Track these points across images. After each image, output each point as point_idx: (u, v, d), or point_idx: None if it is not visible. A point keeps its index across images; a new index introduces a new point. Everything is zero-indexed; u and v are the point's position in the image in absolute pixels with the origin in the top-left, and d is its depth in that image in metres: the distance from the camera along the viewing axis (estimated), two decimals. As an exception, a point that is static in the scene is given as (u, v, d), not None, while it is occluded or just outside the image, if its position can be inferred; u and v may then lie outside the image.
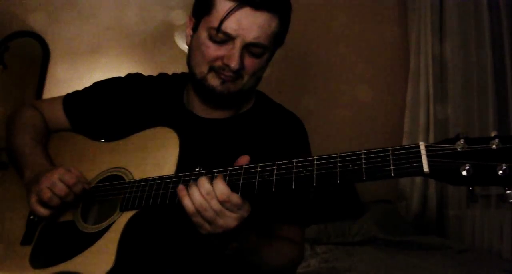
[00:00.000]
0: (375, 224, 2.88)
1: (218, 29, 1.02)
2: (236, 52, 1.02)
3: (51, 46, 3.17)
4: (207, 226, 0.87)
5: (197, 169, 0.94)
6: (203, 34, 1.06)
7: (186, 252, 1.06)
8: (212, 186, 0.86)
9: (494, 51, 3.16)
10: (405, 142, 3.39)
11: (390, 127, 3.52)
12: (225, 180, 0.87)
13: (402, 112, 3.48)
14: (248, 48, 1.04)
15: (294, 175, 0.83)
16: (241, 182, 0.87)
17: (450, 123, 3.24)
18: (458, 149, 0.70)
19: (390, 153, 0.76)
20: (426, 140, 3.24)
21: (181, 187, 0.89)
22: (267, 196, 0.87)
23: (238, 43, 1.02)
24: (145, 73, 1.33)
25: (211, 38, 1.05)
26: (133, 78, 1.28)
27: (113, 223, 0.99)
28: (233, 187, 0.87)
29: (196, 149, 1.05)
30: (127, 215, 0.98)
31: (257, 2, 1.00)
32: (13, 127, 1.23)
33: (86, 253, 0.97)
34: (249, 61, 1.06)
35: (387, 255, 2.41)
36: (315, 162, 0.82)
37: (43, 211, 1.03)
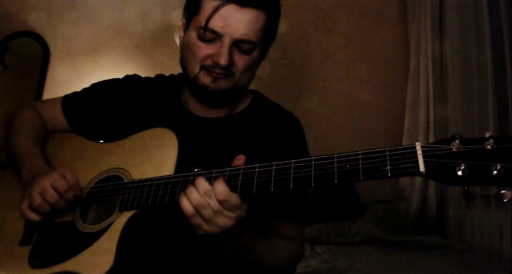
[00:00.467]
0: (375, 224, 2.89)
1: (205, 27, 1.03)
2: (224, 49, 1.03)
3: (51, 46, 3.18)
4: (205, 226, 0.87)
5: (196, 170, 0.94)
6: (192, 34, 1.08)
7: (185, 252, 1.06)
8: (212, 186, 0.86)
9: (494, 51, 3.16)
10: (405, 142, 3.39)
11: (390, 127, 3.52)
12: (224, 180, 0.87)
13: (402, 112, 3.48)
14: (237, 45, 1.05)
15: (292, 175, 0.83)
16: (239, 182, 0.87)
17: (450, 123, 3.23)
18: (454, 149, 0.71)
19: (387, 153, 0.77)
20: (426, 140, 3.24)
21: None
22: (265, 195, 0.87)
23: (226, 41, 1.03)
24: (145, 73, 1.34)
25: (200, 38, 1.06)
26: (131, 80, 1.29)
27: (112, 223, 0.99)
28: (232, 187, 0.87)
29: (194, 149, 1.05)
30: (126, 215, 0.98)
31: None
32: (12, 128, 1.24)
33: (85, 253, 0.97)
34: (239, 58, 1.07)
35: (387, 255, 2.41)
36: (313, 162, 0.83)
37: (33, 216, 1.03)
